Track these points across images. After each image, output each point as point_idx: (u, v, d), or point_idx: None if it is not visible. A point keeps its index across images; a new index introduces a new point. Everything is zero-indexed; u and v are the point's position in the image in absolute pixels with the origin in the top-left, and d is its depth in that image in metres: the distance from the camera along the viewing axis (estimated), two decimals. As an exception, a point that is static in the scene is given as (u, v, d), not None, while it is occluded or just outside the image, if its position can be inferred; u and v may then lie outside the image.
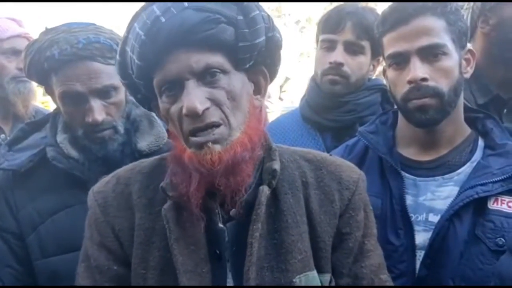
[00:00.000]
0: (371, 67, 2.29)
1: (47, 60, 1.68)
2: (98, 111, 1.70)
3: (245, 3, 1.23)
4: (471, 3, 2.11)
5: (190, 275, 1.23)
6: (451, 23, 1.59)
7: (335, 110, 2.22)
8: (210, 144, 1.18)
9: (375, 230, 1.42)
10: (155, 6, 1.20)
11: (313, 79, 2.31)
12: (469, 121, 1.73)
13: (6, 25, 2.52)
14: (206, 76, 1.20)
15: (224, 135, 1.20)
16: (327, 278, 1.33)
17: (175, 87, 1.21)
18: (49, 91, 1.80)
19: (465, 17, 1.82)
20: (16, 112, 2.55)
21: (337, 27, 2.17)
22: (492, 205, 1.56)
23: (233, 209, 1.27)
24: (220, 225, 1.28)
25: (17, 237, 1.78)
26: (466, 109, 1.72)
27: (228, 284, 1.28)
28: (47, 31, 1.74)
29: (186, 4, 1.18)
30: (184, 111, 1.18)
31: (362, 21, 2.17)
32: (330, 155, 1.49)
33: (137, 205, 1.33)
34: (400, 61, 1.61)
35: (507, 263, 1.42)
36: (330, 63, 2.18)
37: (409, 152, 1.72)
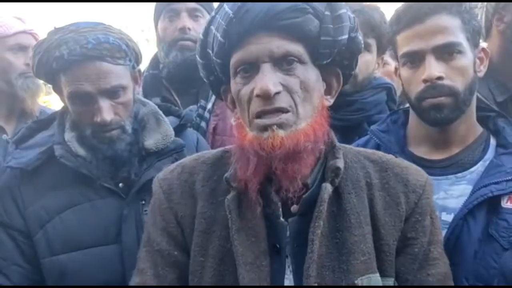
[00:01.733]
0: (377, 65, 2.25)
1: (56, 59, 1.66)
2: (107, 111, 1.68)
3: (335, 2, 1.25)
4: (484, 3, 2.08)
5: (249, 267, 1.22)
6: (465, 21, 1.55)
7: (342, 109, 2.17)
8: (274, 127, 1.17)
9: (441, 237, 1.38)
10: None
11: None
12: (481, 119, 1.70)
13: (11, 22, 2.48)
14: (283, 62, 1.20)
15: (290, 122, 1.19)
16: (390, 282, 1.29)
17: (252, 68, 1.21)
18: (57, 90, 1.77)
19: (479, 16, 1.79)
20: (24, 109, 2.51)
21: None
22: (505, 203, 1.52)
23: (295, 205, 1.26)
24: (282, 219, 1.26)
25: (24, 235, 1.75)
26: (478, 107, 1.69)
27: (286, 279, 1.25)
28: (56, 30, 1.70)
29: None
30: (256, 91, 1.18)
31: (369, 19, 2.14)
32: (396, 157, 1.44)
33: (200, 194, 1.33)
34: (414, 59, 1.57)
35: (510, 259, 1.41)
36: None
37: (421, 151, 1.68)
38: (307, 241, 1.22)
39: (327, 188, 1.25)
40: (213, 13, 1.29)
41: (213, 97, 2.46)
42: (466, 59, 1.56)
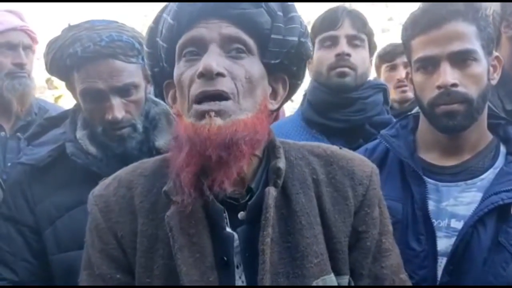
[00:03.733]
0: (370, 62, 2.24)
1: (70, 56, 1.63)
2: (118, 109, 1.65)
3: (287, 3, 1.21)
4: (490, 11, 2.03)
5: (196, 285, 1.12)
6: (481, 29, 1.50)
7: (343, 110, 2.12)
8: (212, 114, 1.08)
9: (391, 227, 1.30)
10: None
11: (315, 80, 2.20)
12: (491, 127, 1.64)
13: (1, 18, 2.34)
14: (232, 50, 1.14)
15: (228, 110, 1.09)
16: (345, 280, 1.21)
17: (199, 51, 1.14)
18: (70, 87, 1.74)
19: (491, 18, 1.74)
20: (11, 109, 2.38)
21: (336, 23, 2.10)
22: None
23: (242, 212, 1.17)
24: (228, 229, 1.16)
25: (33, 231, 1.72)
26: (488, 115, 1.63)
27: None
28: (70, 28, 1.68)
29: None
30: (199, 69, 1.09)
31: (359, 15, 2.15)
32: (340, 148, 1.34)
33: (139, 210, 1.20)
34: (429, 65, 1.52)
35: None
36: (337, 55, 2.09)
37: (430, 157, 1.62)
38: (258, 250, 1.13)
39: (271, 192, 1.15)
40: (167, 3, 1.22)
41: None
42: (481, 66, 1.50)
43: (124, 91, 1.66)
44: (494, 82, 1.58)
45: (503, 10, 2.04)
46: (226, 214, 1.17)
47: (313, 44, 2.16)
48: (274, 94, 1.25)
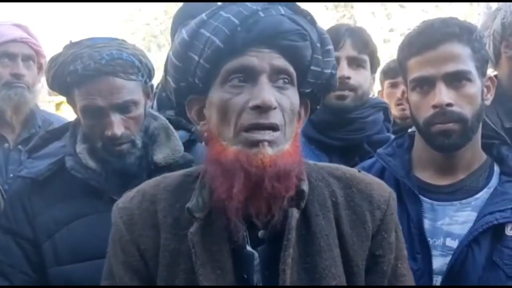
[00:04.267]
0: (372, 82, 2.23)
1: (70, 74, 1.64)
2: (118, 125, 1.66)
3: (325, 35, 1.23)
4: (491, 31, 2.04)
5: None
6: (475, 50, 1.52)
7: (342, 129, 2.12)
8: (265, 143, 1.09)
9: (405, 252, 1.32)
10: (250, 3, 1.16)
11: None
12: (485, 147, 1.65)
13: (3, 30, 2.35)
14: (279, 80, 1.15)
15: (278, 141, 1.11)
16: None
17: (248, 78, 1.13)
18: (71, 102, 1.75)
19: (487, 45, 1.76)
20: (5, 119, 2.38)
21: (337, 44, 2.08)
22: (509, 231, 1.48)
23: (262, 231, 1.18)
24: (249, 248, 1.17)
25: (32, 243, 1.72)
26: (482, 134, 1.64)
27: None
28: (71, 45, 1.68)
29: (283, 11, 1.17)
30: (255, 102, 1.09)
31: (361, 36, 2.12)
32: (359, 171, 1.36)
33: (162, 225, 1.22)
34: (424, 85, 1.53)
35: None
36: (338, 78, 2.08)
37: (426, 176, 1.63)
38: (278, 269, 1.13)
39: (294, 213, 1.16)
40: (203, 17, 1.18)
41: None
42: (475, 87, 1.51)
43: (124, 108, 1.67)
44: (487, 102, 1.59)
45: (504, 30, 2.05)
46: (246, 233, 1.18)
47: None
48: (298, 118, 1.26)
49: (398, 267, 1.26)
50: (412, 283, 1.30)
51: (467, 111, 1.50)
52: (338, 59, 2.08)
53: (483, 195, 1.56)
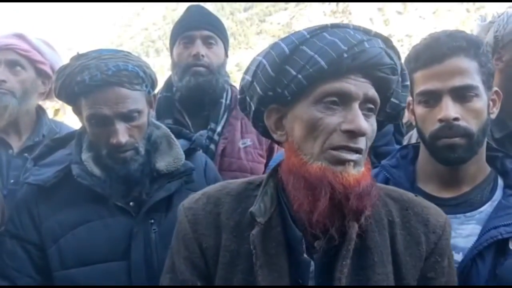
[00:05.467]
0: None
1: (78, 84, 1.68)
2: (122, 134, 1.70)
3: (405, 71, 1.29)
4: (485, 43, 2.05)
5: None
6: (482, 64, 1.51)
7: None
8: (351, 163, 1.15)
9: (456, 279, 1.34)
10: (355, 32, 1.22)
11: None
12: (489, 159, 1.65)
13: None
14: (367, 108, 1.20)
15: (360, 163, 1.18)
16: None
17: (342, 102, 1.18)
18: (77, 111, 1.79)
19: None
20: (32, 126, 2.38)
21: None
22: None
23: (318, 241, 1.22)
24: (305, 255, 1.22)
25: (38, 248, 1.75)
26: (486, 147, 1.64)
27: None
28: (78, 56, 1.73)
29: (381, 45, 1.22)
30: (351, 127, 1.15)
31: None
32: (416, 195, 1.39)
33: (224, 226, 1.30)
34: (431, 98, 1.52)
35: None
36: None
37: (430, 188, 1.62)
38: (332, 278, 1.19)
39: (355, 226, 1.21)
40: (305, 35, 1.22)
41: (223, 121, 2.48)
42: (481, 101, 1.51)
43: (129, 117, 1.71)
44: (493, 116, 1.59)
45: (496, 43, 2.07)
46: (304, 241, 1.22)
47: None
48: None
49: None
50: None
51: (473, 125, 1.50)
52: None
53: (487, 208, 1.55)
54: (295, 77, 1.19)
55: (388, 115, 1.30)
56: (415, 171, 1.68)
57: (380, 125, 1.31)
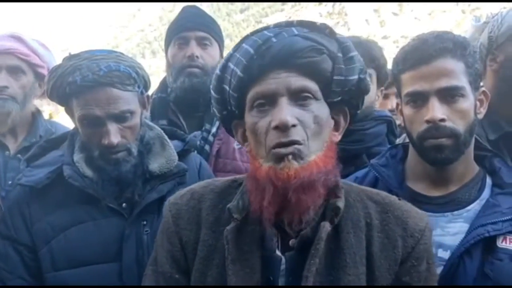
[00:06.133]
0: (377, 96, 2.23)
1: (69, 85, 1.67)
2: (114, 134, 1.70)
3: (346, 43, 1.28)
4: (478, 44, 2.06)
5: None
6: (469, 65, 1.53)
7: (342, 139, 2.14)
8: (290, 157, 1.17)
9: (435, 284, 1.34)
10: (267, 30, 1.27)
11: None
12: (477, 159, 1.67)
13: None
14: (299, 98, 1.22)
15: (302, 153, 1.19)
16: None
17: (269, 102, 1.22)
18: (69, 112, 1.78)
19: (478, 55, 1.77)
20: (28, 128, 2.39)
21: None
22: (501, 243, 1.49)
23: (293, 239, 1.25)
24: (278, 253, 1.25)
25: (30, 249, 1.75)
26: (474, 147, 1.66)
27: None
28: (70, 57, 1.73)
29: (296, 31, 1.24)
30: (274, 123, 1.19)
31: (368, 50, 2.13)
32: (399, 199, 1.40)
33: (204, 222, 1.33)
34: (418, 99, 1.54)
35: None
36: None
37: (419, 187, 1.64)
38: (302, 276, 1.20)
39: (326, 226, 1.23)
40: (231, 52, 1.30)
41: (218, 122, 2.47)
42: (468, 102, 1.53)
43: (121, 118, 1.70)
44: (480, 116, 1.61)
45: (490, 44, 2.07)
46: (278, 238, 1.26)
47: None
48: (336, 126, 1.34)
49: None
50: None
51: (460, 126, 1.52)
52: None
53: (475, 206, 1.57)
54: (229, 92, 1.29)
55: (346, 92, 1.29)
56: (404, 170, 1.70)
57: (349, 103, 1.33)
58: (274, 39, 1.22)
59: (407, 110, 1.58)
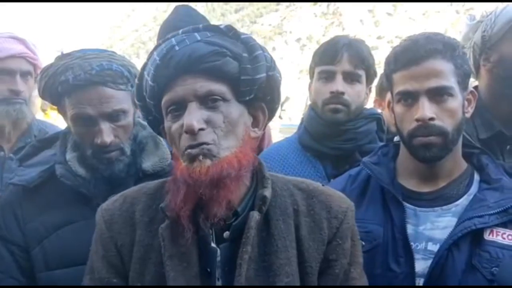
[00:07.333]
0: (365, 94, 2.28)
1: (61, 84, 1.68)
2: (107, 134, 1.69)
3: (251, 43, 1.32)
4: (471, 43, 2.10)
5: None
6: (458, 66, 1.58)
7: (335, 138, 2.19)
8: (201, 157, 1.23)
9: (361, 259, 1.43)
10: (174, 38, 1.31)
11: (312, 109, 2.27)
12: (465, 156, 1.72)
13: (1, 45, 2.36)
14: (208, 101, 1.26)
15: (213, 152, 1.24)
16: None
17: (180, 108, 1.27)
18: (61, 111, 1.78)
19: (467, 55, 1.81)
20: (4, 133, 2.42)
21: (334, 58, 2.14)
22: (488, 236, 1.55)
23: (227, 232, 1.31)
24: (213, 245, 1.30)
25: (22, 249, 1.75)
26: (463, 144, 1.71)
27: None
28: (62, 56, 1.73)
29: (199, 37, 1.29)
30: (184, 128, 1.24)
31: (358, 51, 2.16)
32: (323, 185, 1.49)
33: (138, 223, 1.36)
34: (408, 98, 1.60)
35: None
36: (332, 92, 2.14)
37: (409, 184, 1.70)
38: (236, 265, 1.26)
39: (254, 216, 1.29)
40: (146, 60, 1.35)
41: None
42: (456, 101, 1.58)
43: (113, 117, 1.71)
44: (468, 115, 1.66)
45: (483, 43, 2.09)
46: (212, 232, 1.31)
47: (313, 73, 2.25)
48: (256, 122, 1.38)
49: (350, 271, 1.38)
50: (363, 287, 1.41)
51: (448, 124, 1.57)
52: (334, 73, 2.15)
53: (463, 201, 1.63)
54: (146, 100, 1.35)
55: (256, 90, 1.32)
56: (396, 167, 1.75)
57: (265, 100, 1.37)
58: (177, 47, 1.27)
59: (398, 109, 1.64)
